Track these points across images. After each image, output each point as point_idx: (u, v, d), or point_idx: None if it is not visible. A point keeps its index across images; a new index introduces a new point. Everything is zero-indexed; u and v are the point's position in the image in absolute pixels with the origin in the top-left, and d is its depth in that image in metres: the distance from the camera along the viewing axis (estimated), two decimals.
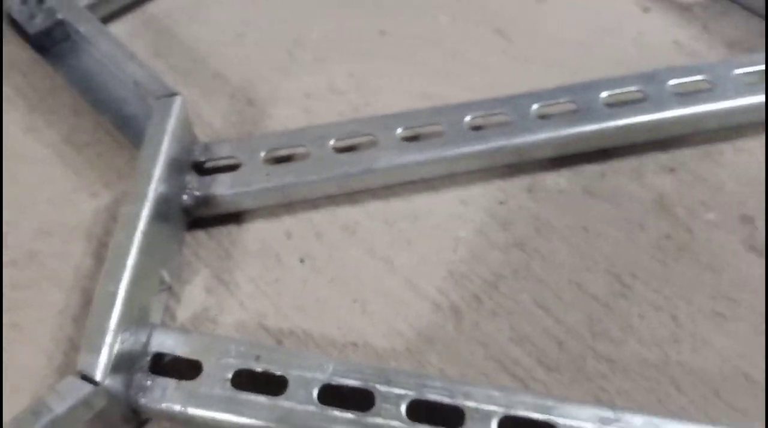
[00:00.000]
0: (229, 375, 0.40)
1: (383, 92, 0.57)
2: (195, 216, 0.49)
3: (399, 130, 0.50)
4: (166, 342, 0.42)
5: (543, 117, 0.51)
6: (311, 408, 0.39)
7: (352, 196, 0.51)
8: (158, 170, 0.44)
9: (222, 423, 0.39)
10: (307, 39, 0.61)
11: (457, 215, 0.50)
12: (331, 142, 0.50)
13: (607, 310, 0.45)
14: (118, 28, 0.63)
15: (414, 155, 0.50)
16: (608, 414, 0.38)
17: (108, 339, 0.38)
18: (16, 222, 0.51)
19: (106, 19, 0.63)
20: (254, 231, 0.50)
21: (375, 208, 0.51)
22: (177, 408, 0.39)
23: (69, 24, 0.58)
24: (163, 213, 0.45)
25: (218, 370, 0.40)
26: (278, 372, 0.40)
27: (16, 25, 0.59)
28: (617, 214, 0.49)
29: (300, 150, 0.50)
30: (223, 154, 0.50)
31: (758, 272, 0.46)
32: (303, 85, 0.58)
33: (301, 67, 0.59)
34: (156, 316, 0.45)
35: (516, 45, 0.60)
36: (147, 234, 0.42)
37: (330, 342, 0.45)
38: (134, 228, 0.42)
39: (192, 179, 0.48)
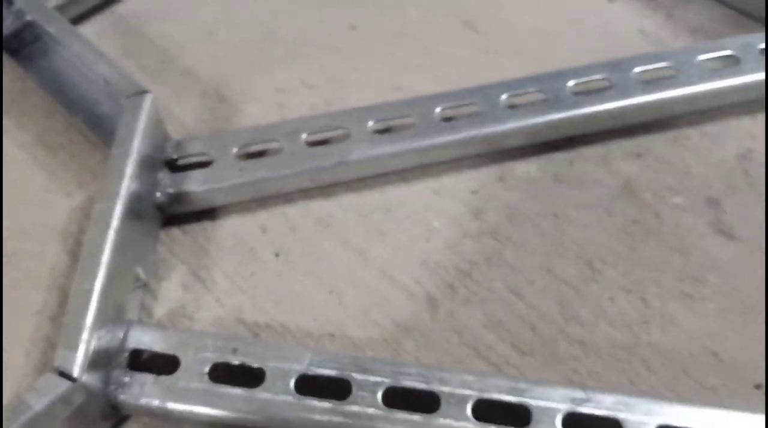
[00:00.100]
0: (207, 369, 0.40)
1: (355, 86, 0.57)
2: (169, 213, 0.49)
3: (370, 123, 0.51)
4: (144, 339, 0.42)
5: (512, 107, 0.52)
6: (288, 398, 0.39)
7: (325, 190, 0.52)
8: (130, 168, 0.45)
9: (200, 416, 0.40)
10: (277, 35, 0.62)
11: (430, 205, 0.51)
12: (304, 136, 0.50)
13: (578, 294, 0.46)
14: (88, 30, 0.63)
15: (386, 147, 0.50)
16: (579, 394, 0.39)
17: (84, 335, 0.38)
18: None
19: (76, 21, 0.63)
20: (229, 227, 0.50)
21: (348, 200, 0.51)
22: (156, 403, 0.40)
23: (38, 26, 0.57)
24: (136, 210, 0.45)
25: (195, 364, 0.41)
26: (255, 365, 0.41)
27: None
28: (586, 200, 0.50)
29: (273, 145, 0.51)
30: (195, 150, 0.50)
31: (725, 253, 0.47)
32: (274, 81, 0.58)
33: (272, 62, 0.59)
34: (132, 313, 0.45)
35: (484, 37, 0.60)
36: (120, 232, 0.43)
37: (307, 333, 0.46)
38: (107, 226, 0.42)
39: (164, 176, 0.49)
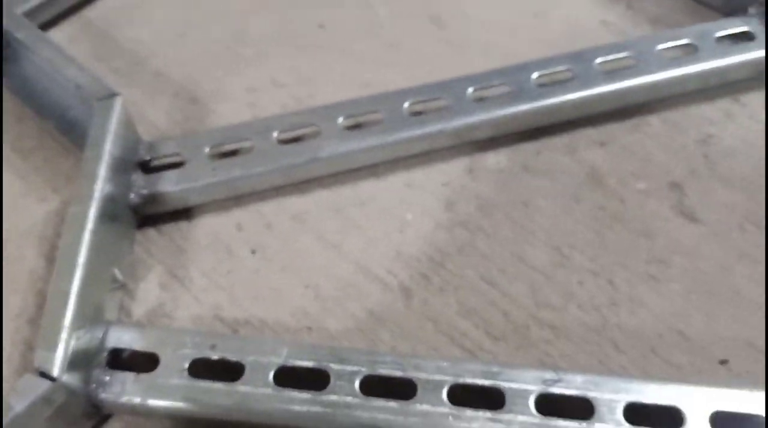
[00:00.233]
0: (186, 365, 0.41)
1: (325, 83, 0.58)
2: (144, 214, 0.50)
3: (341, 119, 0.52)
4: (123, 338, 0.43)
5: (479, 100, 0.53)
6: (268, 390, 0.40)
7: (299, 186, 0.52)
8: (102, 170, 0.45)
9: (182, 412, 0.41)
10: (247, 35, 0.62)
11: (403, 199, 0.52)
12: (275, 135, 0.51)
13: (548, 280, 0.48)
14: (57, 35, 0.63)
15: (357, 143, 0.51)
16: (551, 375, 0.40)
17: (63, 335, 0.39)
18: None
19: (45, 26, 0.63)
20: (205, 226, 0.51)
21: (322, 196, 0.52)
22: (136, 400, 0.40)
23: (7, 32, 0.57)
24: (110, 212, 0.45)
25: (175, 361, 0.41)
26: (234, 359, 0.41)
27: None
28: (554, 189, 0.52)
29: (245, 144, 0.51)
30: (167, 151, 0.51)
31: (688, 235, 0.49)
32: (245, 80, 0.59)
33: (242, 62, 0.60)
34: (111, 314, 0.45)
35: (450, 32, 0.62)
36: (95, 234, 0.43)
37: (285, 328, 0.46)
38: (82, 227, 0.43)
39: (138, 178, 0.49)
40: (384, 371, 0.41)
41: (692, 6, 0.62)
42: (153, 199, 0.49)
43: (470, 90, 0.53)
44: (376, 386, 0.40)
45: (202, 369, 0.41)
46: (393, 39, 0.61)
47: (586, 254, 0.48)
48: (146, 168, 0.50)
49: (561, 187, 0.52)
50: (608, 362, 0.44)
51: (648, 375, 0.44)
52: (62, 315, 0.39)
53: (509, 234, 0.50)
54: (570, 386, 0.40)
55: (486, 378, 0.40)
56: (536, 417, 0.39)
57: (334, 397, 0.40)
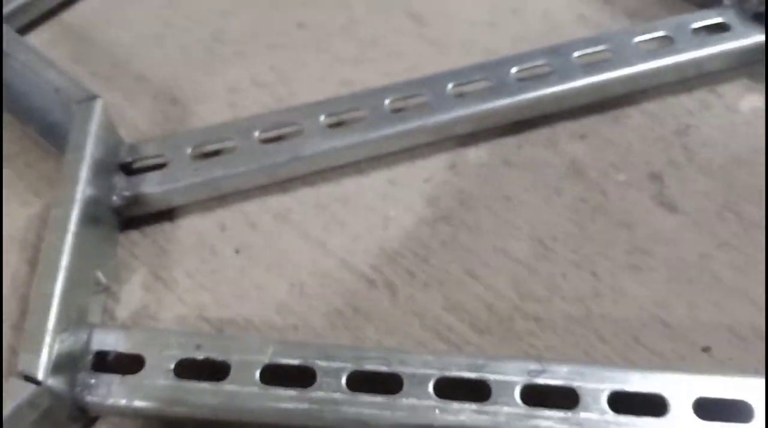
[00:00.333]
0: (172, 366, 0.41)
1: (305, 82, 0.58)
2: (127, 216, 0.50)
3: (322, 118, 0.52)
4: (107, 340, 0.42)
5: (459, 95, 0.53)
6: (254, 389, 0.40)
7: (282, 185, 0.52)
8: (84, 172, 0.45)
9: (168, 412, 0.41)
10: (226, 35, 0.62)
11: (386, 195, 0.52)
12: (257, 134, 0.51)
13: (531, 272, 0.48)
14: (35, 39, 0.63)
15: (338, 140, 0.51)
16: (535, 366, 0.40)
17: (47, 339, 0.38)
18: None
19: (22, 30, 0.63)
20: (188, 227, 0.51)
21: (306, 194, 0.52)
22: (123, 402, 0.40)
23: None
24: (92, 215, 0.45)
25: (160, 362, 0.41)
26: (219, 359, 0.41)
27: None
28: (535, 182, 0.52)
29: (227, 144, 0.51)
30: (149, 152, 0.50)
31: (668, 225, 0.49)
32: (225, 81, 0.59)
33: (222, 62, 0.60)
34: (95, 317, 0.45)
35: (430, 29, 0.62)
36: (78, 236, 0.43)
37: (270, 326, 0.46)
38: (64, 230, 0.42)
39: (120, 180, 0.49)
40: (370, 366, 0.41)
41: None
42: (135, 200, 0.49)
43: (450, 86, 0.53)
44: (362, 382, 0.40)
45: (187, 369, 0.41)
46: (372, 36, 0.61)
47: (568, 246, 0.49)
48: (128, 170, 0.50)
49: (542, 180, 0.52)
50: (592, 352, 0.45)
51: (632, 363, 0.44)
52: (45, 318, 0.39)
53: (492, 228, 0.50)
54: (555, 376, 0.40)
55: (471, 370, 0.40)
56: (522, 408, 0.39)
57: (320, 394, 0.40)
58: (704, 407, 0.39)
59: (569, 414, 0.39)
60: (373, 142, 0.52)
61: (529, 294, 0.47)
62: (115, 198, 0.48)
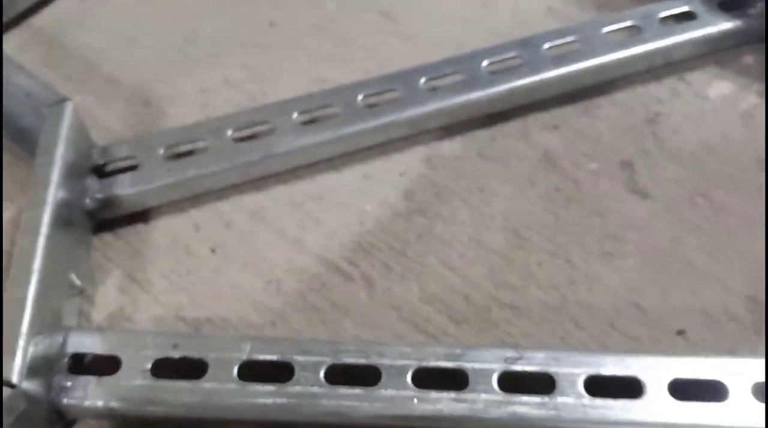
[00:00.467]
0: (148, 366, 0.41)
1: (278, 81, 0.58)
2: (100, 218, 0.50)
3: (295, 115, 0.52)
4: (84, 342, 0.42)
5: (432, 89, 0.53)
6: (232, 386, 0.40)
7: (256, 183, 0.52)
8: (55, 175, 0.45)
9: (146, 413, 0.40)
10: (198, 36, 0.62)
11: (361, 190, 0.52)
12: (229, 133, 0.51)
13: (507, 262, 0.48)
14: (6, 44, 0.62)
15: (311, 137, 0.51)
16: (512, 353, 0.41)
17: (21, 342, 0.38)
18: None
19: None
20: (162, 228, 0.50)
21: (281, 192, 0.52)
22: (100, 404, 0.40)
23: None
24: (65, 218, 0.45)
25: (137, 362, 0.41)
26: (197, 357, 0.41)
27: None
28: (509, 173, 0.52)
29: (199, 144, 0.51)
30: (121, 154, 0.50)
31: (640, 212, 0.50)
32: (198, 81, 0.59)
33: (194, 63, 0.60)
34: (70, 320, 0.45)
35: (401, 25, 0.62)
36: (50, 239, 0.43)
37: (248, 324, 0.46)
38: (36, 233, 0.42)
39: (93, 182, 0.49)
40: (348, 359, 0.41)
41: None
42: (108, 203, 0.49)
43: (423, 80, 0.54)
44: (340, 375, 0.41)
45: (164, 369, 0.41)
46: (344, 34, 0.61)
47: (543, 235, 0.49)
48: (100, 172, 0.50)
49: (516, 171, 0.52)
50: (569, 339, 0.45)
51: (608, 349, 0.44)
52: (19, 322, 0.39)
53: (467, 219, 0.50)
54: (531, 363, 0.40)
55: (449, 360, 0.41)
56: (499, 395, 0.39)
57: (298, 388, 0.40)
58: (679, 388, 0.39)
59: (546, 399, 0.39)
60: (346, 137, 0.52)
61: (505, 284, 0.47)
62: (87, 201, 0.48)
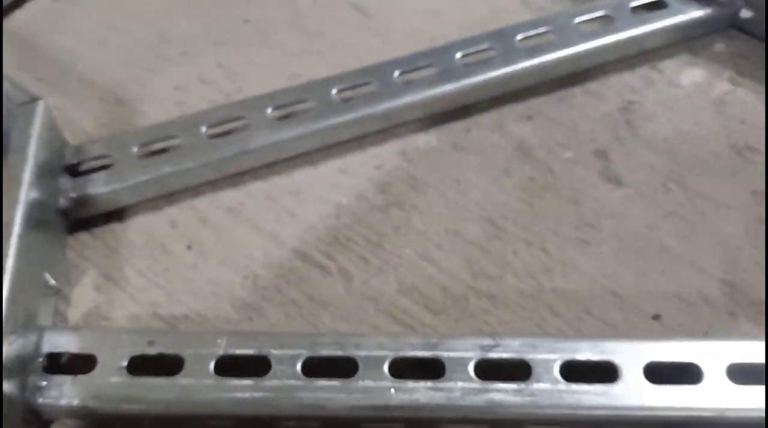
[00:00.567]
0: (124, 363, 0.41)
1: (252, 77, 0.58)
2: (75, 218, 0.49)
3: (269, 110, 0.52)
4: (59, 341, 0.42)
5: (406, 82, 0.54)
6: (209, 381, 0.40)
7: (232, 180, 0.52)
8: (27, 175, 0.44)
9: (123, 410, 0.40)
10: (171, 34, 0.62)
11: (337, 184, 0.52)
12: (203, 130, 0.51)
13: (483, 252, 0.48)
14: None
15: (286, 132, 0.51)
16: (488, 341, 0.41)
17: None
18: None
19: None
20: (138, 226, 0.50)
21: (257, 187, 0.52)
22: (75, 402, 0.40)
23: None
24: (38, 217, 0.44)
25: (113, 360, 0.41)
26: (173, 353, 0.41)
27: None
28: (485, 164, 0.53)
29: (174, 141, 0.51)
30: (95, 153, 0.50)
31: (615, 199, 0.50)
32: (172, 80, 0.58)
33: (168, 62, 0.60)
34: (46, 319, 0.45)
35: (375, 19, 0.62)
36: (23, 239, 0.42)
37: (225, 320, 0.46)
38: (9, 233, 0.42)
39: (66, 182, 0.48)
40: (325, 352, 0.41)
41: None
42: (82, 202, 0.48)
43: (397, 73, 0.54)
44: (317, 367, 0.40)
45: (141, 366, 0.41)
46: (318, 29, 0.61)
47: (518, 224, 0.49)
48: (74, 171, 0.50)
49: (491, 162, 0.53)
50: (545, 326, 0.45)
51: (583, 334, 0.45)
52: None
53: (443, 210, 0.50)
54: (507, 350, 0.40)
55: (426, 349, 0.41)
56: (476, 382, 0.39)
57: (275, 382, 0.40)
58: (655, 371, 0.40)
59: (522, 385, 0.39)
60: (321, 132, 0.52)
61: (482, 273, 0.47)
62: (61, 200, 0.48)
